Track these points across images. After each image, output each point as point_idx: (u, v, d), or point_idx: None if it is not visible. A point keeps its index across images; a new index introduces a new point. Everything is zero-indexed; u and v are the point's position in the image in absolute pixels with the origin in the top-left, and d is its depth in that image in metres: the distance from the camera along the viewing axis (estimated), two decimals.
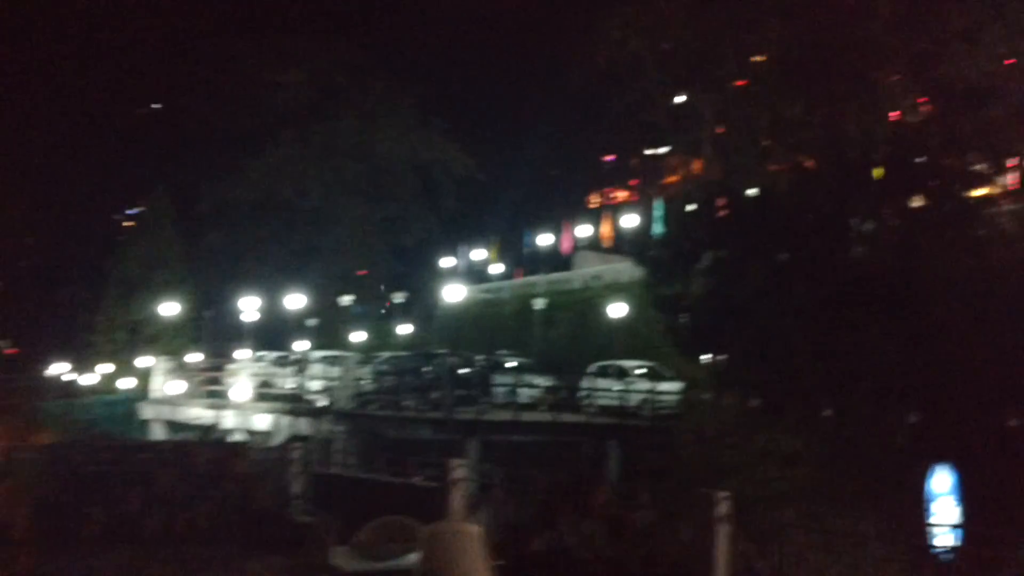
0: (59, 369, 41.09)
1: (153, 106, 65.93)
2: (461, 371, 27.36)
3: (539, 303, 34.56)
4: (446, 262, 50.09)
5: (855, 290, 16.92)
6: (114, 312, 44.04)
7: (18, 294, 64.57)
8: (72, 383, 30.61)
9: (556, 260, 43.14)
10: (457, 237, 51.55)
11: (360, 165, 50.83)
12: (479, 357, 29.63)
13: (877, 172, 19.50)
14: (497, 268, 47.82)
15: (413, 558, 8.15)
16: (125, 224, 64.26)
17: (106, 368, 41.39)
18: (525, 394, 27.26)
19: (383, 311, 54.04)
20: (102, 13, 55.91)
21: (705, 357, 22.46)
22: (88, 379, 39.87)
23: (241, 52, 51.14)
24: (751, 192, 23.34)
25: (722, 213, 22.86)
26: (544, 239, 43.64)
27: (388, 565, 8.05)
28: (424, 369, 27.85)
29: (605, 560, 10.40)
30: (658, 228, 34.78)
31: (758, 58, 36.59)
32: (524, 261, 46.56)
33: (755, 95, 31.57)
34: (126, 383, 38.83)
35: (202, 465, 16.34)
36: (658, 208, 35.90)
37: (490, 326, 40.20)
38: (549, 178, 62.78)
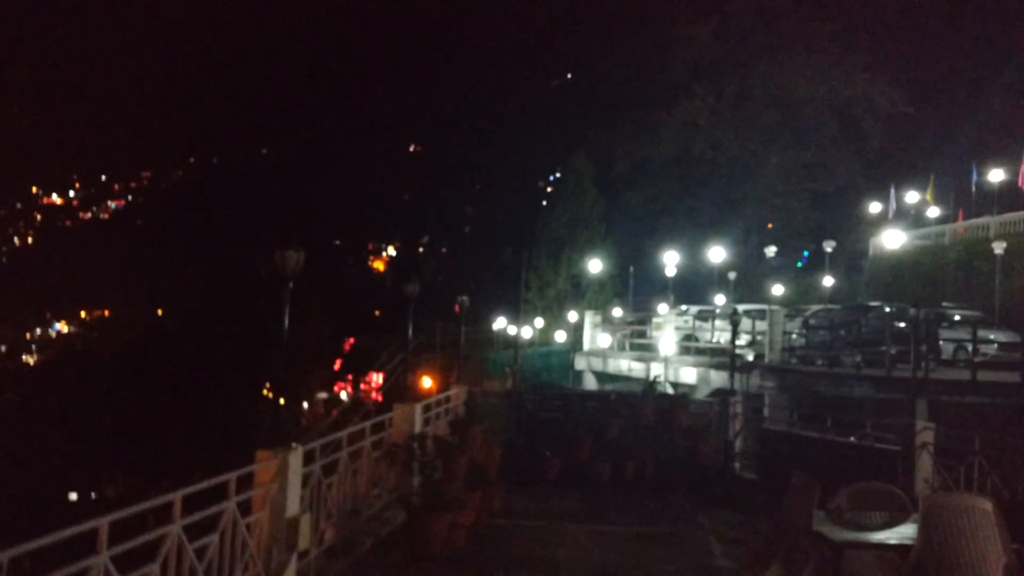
0: (500, 323, 45.07)
1: (567, 76, 69.50)
2: (901, 325, 25.08)
3: (996, 248, 30.38)
4: (873, 207, 46.31)
5: None
6: (544, 270, 47.28)
7: (462, 256, 72.44)
8: (516, 336, 33.35)
9: (1010, 198, 37.59)
10: (884, 179, 47.37)
11: (775, 111, 48.79)
12: (920, 310, 26.89)
13: None
14: (933, 211, 43.04)
15: (906, 531, 7.31)
16: (548, 190, 68.84)
17: (539, 322, 44.61)
18: (979, 351, 24.13)
19: (802, 262, 51.72)
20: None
21: None
22: (525, 332, 43.25)
23: (648, 11, 51.60)
24: None
25: None
26: (994, 175, 38.16)
27: (879, 538, 7.29)
28: (860, 322, 25.97)
29: None
30: None
31: None
32: (968, 201, 41.29)
33: None
34: (559, 336, 41.50)
35: (647, 416, 16.69)
36: None
37: (928, 276, 36.50)
38: (993, 106, 55.18)
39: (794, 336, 26.95)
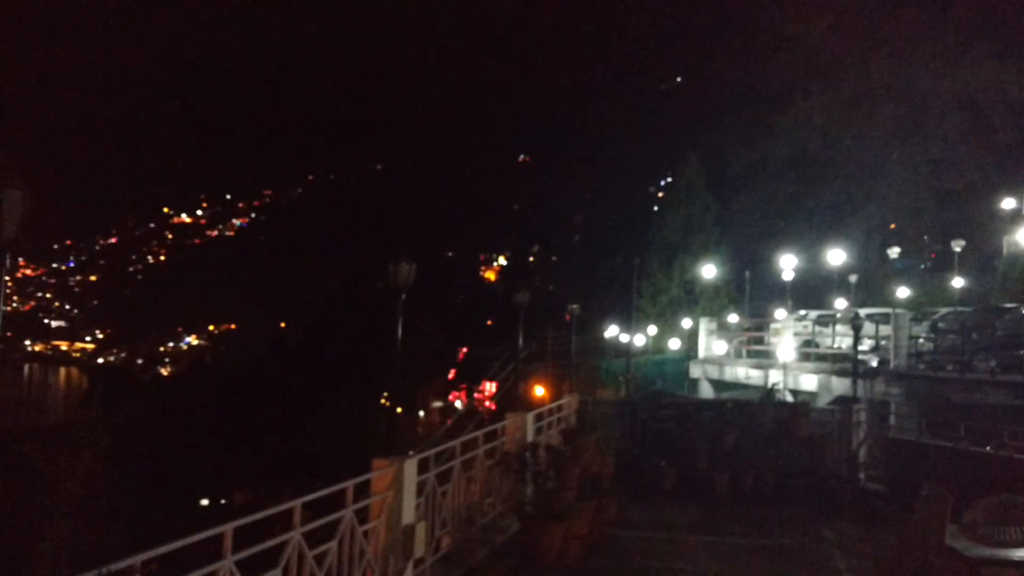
0: (613, 330, 44.68)
1: (677, 79, 68.60)
2: None
3: None
4: (1006, 203, 43.78)
5: None
6: (657, 276, 46.69)
7: (573, 264, 72.43)
8: (628, 344, 33.04)
9: None
10: (1018, 174, 44.69)
11: (896, 107, 46.76)
12: None
13: None
14: None
15: None
16: (660, 195, 68.14)
17: (652, 329, 44.03)
18: None
19: (928, 263, 49.43)
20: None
21: None
22: (638, 339, 42.72)
23: (759, 9, 50.42)
24: None
25: None
26: None
27: (1021, 555, 6.83)
28: (994, 325, 24.56)
29: None
30: None
31: None
32: None
33: None
34: (673, 343, 40.88)
35: (765, 425, 16.20)
36: None
37: None
38: None
39: (921, 340, 25.67)
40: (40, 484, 3.68)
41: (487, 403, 55.17)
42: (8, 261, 4.35)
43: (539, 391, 42.44)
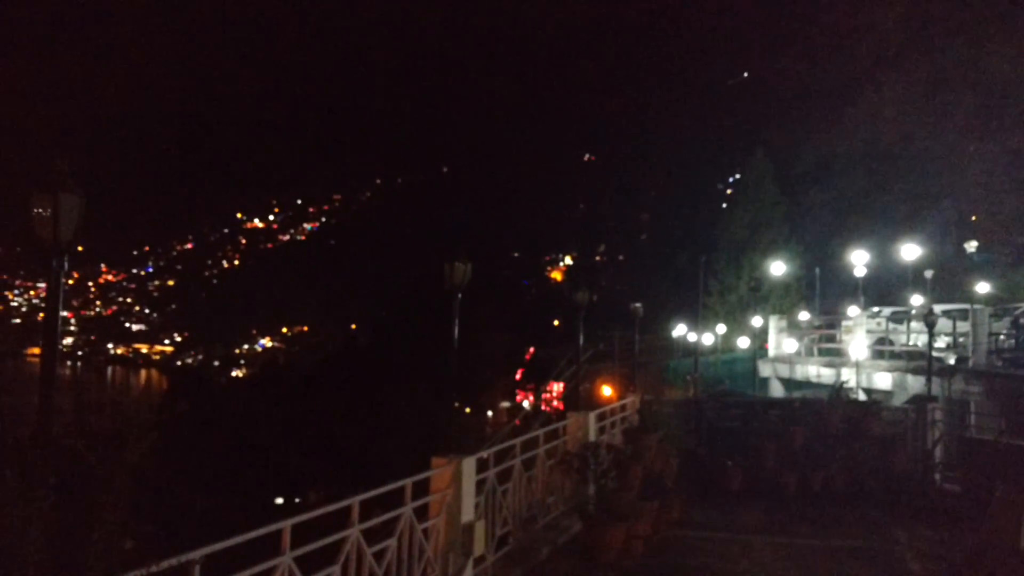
0: (680, 330, 44.18)
1: (744, 76, 67.62)
2: None
3: None
4: None
5: None
6: (725, 274, 46.03)
7: (640, 263, 71.91)
8: (696, 343, 32.62)
9: None
10: None
11: (971, 96, 45.24)
12: None
13: None
14: None
15: None
16: (728, 192, 67.19)
17: (721, 328, 43.41)
18: None
19: (1008, 257, 47.69)
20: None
21: None
22: (706, 338, 42.14)
23: (829, 0, 49.37)
24: None
25: None
26: None
27: None
28: None
29: None
30: None
31: None
32: None
33: None
34: (742, 342, 40.24)
35: (834, 424, 15.82)
36: None
37: None
38: None
39: (1002, 337, 24.79)
40: (92, 479, 3.86)
41: (555, 403, 55.14)
42: (66, 264, 4.52)
43: (606, 391, 42.15)
